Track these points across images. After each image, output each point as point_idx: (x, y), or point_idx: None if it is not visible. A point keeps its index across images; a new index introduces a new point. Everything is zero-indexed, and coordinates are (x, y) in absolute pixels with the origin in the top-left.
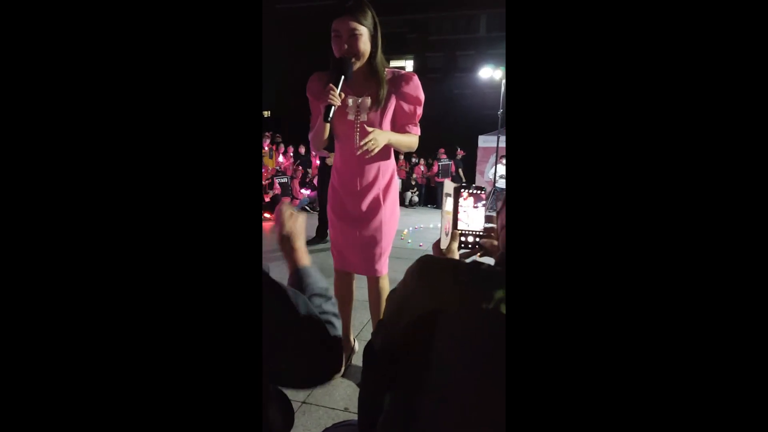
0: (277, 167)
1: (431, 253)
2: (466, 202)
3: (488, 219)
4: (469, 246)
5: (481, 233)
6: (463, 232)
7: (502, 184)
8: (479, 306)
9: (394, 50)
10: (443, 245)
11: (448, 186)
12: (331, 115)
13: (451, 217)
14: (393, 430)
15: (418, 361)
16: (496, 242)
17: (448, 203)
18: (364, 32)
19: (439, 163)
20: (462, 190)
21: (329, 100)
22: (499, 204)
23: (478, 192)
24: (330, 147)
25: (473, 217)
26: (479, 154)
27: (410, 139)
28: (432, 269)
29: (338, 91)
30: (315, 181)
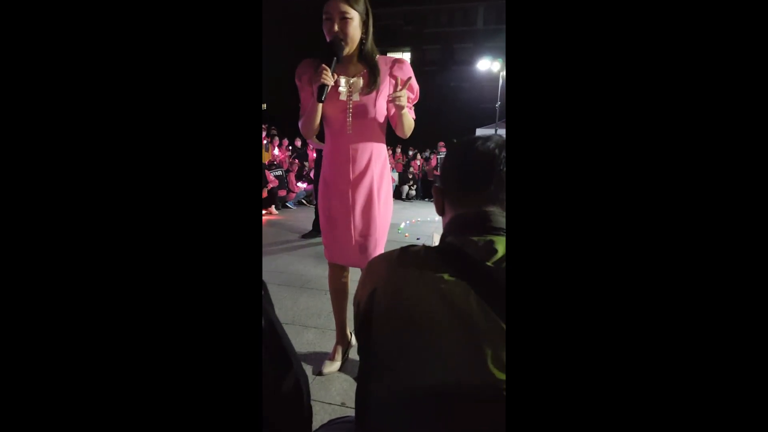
0: (273, 160)
1: None
2: None
3: None
4: None
5: None
6: None
7: None
8: (401, 280)
9: (391, 42)
10: None
11: (437, 238)
12: (324, 95)
13: None
14: (383, 419)
15: (368, 343)
16: None
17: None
18: (354, 16)
19: (438, 156)
20: None
21: (322, 80)
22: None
23: None
24: (321, 137)
25: None
26: None
27: (411, 121)
28: (373, 261)
29: (331, 71)
30: (311, 174)
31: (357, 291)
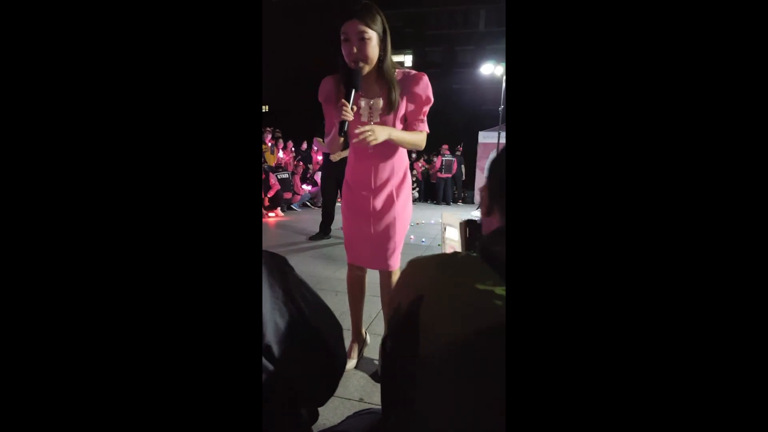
0: (279, 163)
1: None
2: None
3: None
4: None
5: None
6: None
7: None
8: (451, 289)
9: (392, 45)
10: None
11: (447, 217)
12: (345, 129)
13: (457, 245)
14: (411, 420)
15: (409, 350)
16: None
17: (450, 232)
18: (373, 36)
19: (443, 159)
20: (466, 227)
21: (342, 116)
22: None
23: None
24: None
25: None
26: (479, 150)
27: (415, 137)
28: (415, 264)
29: (350, 105)
30: (316, 177)
31: (394, 294)
